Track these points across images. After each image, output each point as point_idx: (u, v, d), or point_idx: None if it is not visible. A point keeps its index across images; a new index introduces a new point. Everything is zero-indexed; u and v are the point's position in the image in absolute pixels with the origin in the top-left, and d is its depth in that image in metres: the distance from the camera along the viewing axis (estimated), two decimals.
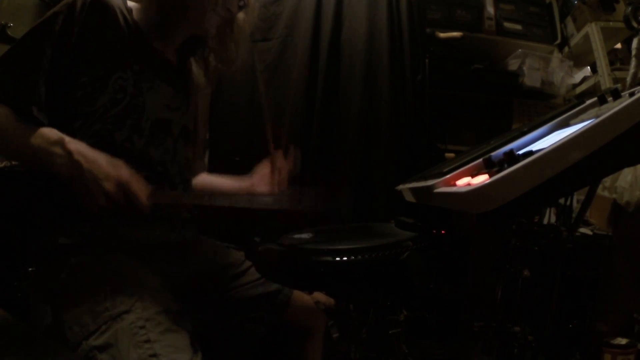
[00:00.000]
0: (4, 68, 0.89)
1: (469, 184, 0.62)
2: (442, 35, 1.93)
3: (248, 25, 1.17)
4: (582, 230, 1.77)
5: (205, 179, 1.31)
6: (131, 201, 0.82)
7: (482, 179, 0.59)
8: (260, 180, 1.22)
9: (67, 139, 0.83)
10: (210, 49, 1.16)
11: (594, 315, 1.70)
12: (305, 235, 1.05)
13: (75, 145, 0.82)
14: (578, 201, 0.95)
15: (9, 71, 0.89)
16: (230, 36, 1.14)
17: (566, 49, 2.39)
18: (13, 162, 1.15)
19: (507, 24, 2.32)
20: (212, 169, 1.48)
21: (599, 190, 1.80)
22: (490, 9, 2.30)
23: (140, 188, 0.83)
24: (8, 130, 0.86)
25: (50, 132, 0.85)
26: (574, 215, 0.87)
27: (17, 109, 0.87)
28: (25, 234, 0.99)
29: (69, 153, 0.81)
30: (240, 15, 1.13)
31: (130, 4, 1.03)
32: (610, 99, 0.74)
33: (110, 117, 0.93)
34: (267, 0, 2.01)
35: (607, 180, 1.80)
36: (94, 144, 0.91)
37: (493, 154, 0.69)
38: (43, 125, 0.87)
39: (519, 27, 2.34)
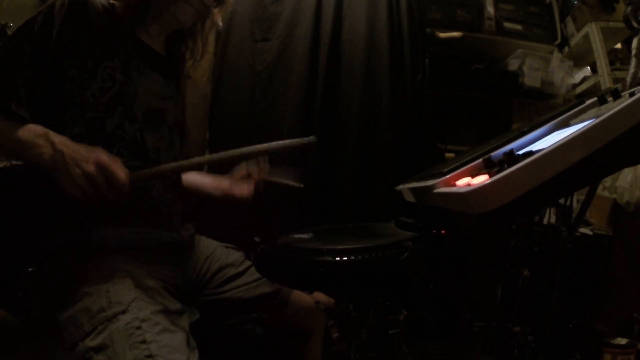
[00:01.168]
0: None
1: (469, 184, 0.62)
2: (442, 35, 1.92)
3: (218, 23, 1.19)
4: (582, 230, 1.77)
5: (188, 175, 1.31)
6: (110, 181, 0.83)
7: (482, 179, 0.59)
8: (236, 183, 1.24)
9: (52, 133, 0.86)
10: (187, 45, 1.18)
11: (594, 315, 1.70)
12: (305, 235, 1.05)
13: (59, 138, 0.85)
14: (578, 201, 0.95)
15: None
16: (201, 33, 1.16)
17: (566, 49, 2.39)
18: (13, 162, 1.15)
19: (507, 24, 2.32)
20: (212, 169, 1.47)
21: (599, 190, 1.80)
22: (490, 9, 2.30)
23: (118, 167, 0.85)
24: None
25: (35, 127, 0.87)
26: (574, 215, 0.86)
27: None
28: (25, 234, 0.99)
29: (52, 143, 0.84)
30: (215, 12, 1.15)
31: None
32: (610, 99, 0.74)
33: (101, 105, 0.94)
34: (267, 0, 2.01)
35: (607, 180, 1.80)
36: (86, 132, 0.93)
37: (493, 154, 0.69)
38: (25, 119, 0.89)
39: (519, 27, 2.33)
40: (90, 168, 0.82)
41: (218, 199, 1.25)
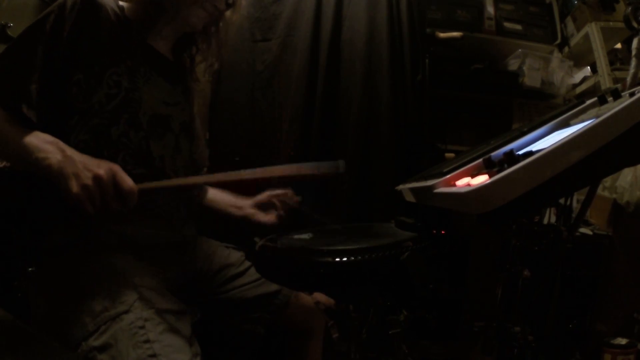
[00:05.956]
0: None
1: (468, 184, 0.62)
2: (442, 35, 1.92)
3: (233, 25, 1.19)
4: (582, 230, 1.77)
5: (208, 194, 1.30)
6: (119, 189, 0.82)
7: (482, 179, 0.59)
8: (259, 208, 1.24)
9: (61, 142, 0.85)
10: (198, 47, 1.17)
11: (594, 315, 1.70)
12: (305, 236, 1.04)
13: (69, 147, 0.85)
14: (578, 201, 0.95)
15: (0, 70, 0.90)
16: (216, 35, 1.16)
17: (566, 49, 2.39)
18: None
19: (507, 24, 2.32)
20: (212, 170, 1.47)
21: (599, 190, 1.80)
22: (490, 9, 2.30)
23: (126, 176, 0.84)
24: None
25: (44, 135, 0.86)
26: (574, 215, 0.86)
27: (6, 106, 0.87)
28: (25, 234, 0.99)
29: (62, 150, 0.83)
30: (228, 14, 1.14)
31: (121, 2, 1.04)
32: (610, 99, 0.74)
33: (107, 113, 0.94)
34: (267, 0, 2.01)
35: (607, 180, 1.80)
36: (91, 139, 0.92)
37: (493, 154, 0.69)
38: (33, 123, 0.88)
39: (519, 27, 2.33)
40: (101, 172, 0.80)
41: (237, 219, 1.25)
